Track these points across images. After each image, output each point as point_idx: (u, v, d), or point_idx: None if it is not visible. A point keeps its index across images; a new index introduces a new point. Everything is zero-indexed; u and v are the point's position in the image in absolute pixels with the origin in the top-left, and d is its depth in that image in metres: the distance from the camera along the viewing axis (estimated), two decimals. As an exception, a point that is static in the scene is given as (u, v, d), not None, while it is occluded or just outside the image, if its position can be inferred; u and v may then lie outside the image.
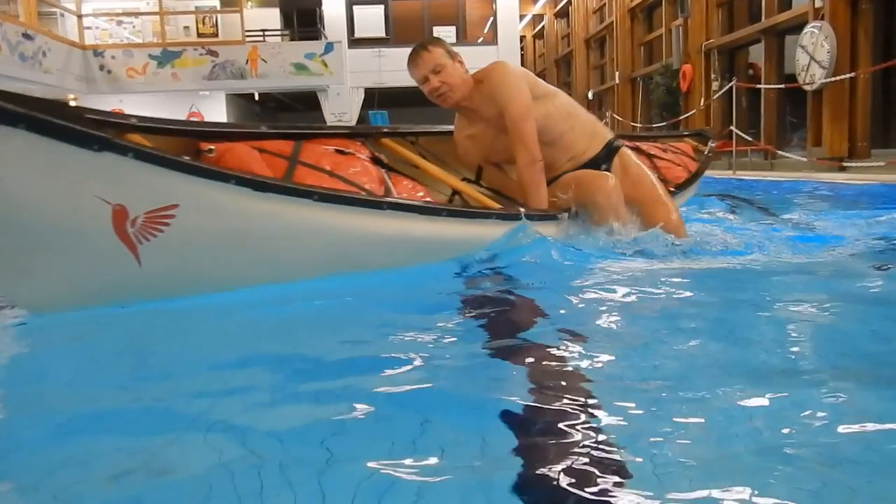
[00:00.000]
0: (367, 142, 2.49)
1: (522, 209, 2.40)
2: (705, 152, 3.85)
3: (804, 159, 8.43)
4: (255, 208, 1.81)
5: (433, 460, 0.98)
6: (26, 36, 11.75)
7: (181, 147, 2.02)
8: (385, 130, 2.63)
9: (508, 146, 2.53)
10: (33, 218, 1.61)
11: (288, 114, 18.94)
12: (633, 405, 1.14)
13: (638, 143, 3.52)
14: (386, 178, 2.27)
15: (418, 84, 2.57)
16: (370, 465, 0.95)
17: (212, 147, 1.97)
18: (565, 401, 1.15)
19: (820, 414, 1.08)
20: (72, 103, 14.77)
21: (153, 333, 1.75)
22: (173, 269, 1.80)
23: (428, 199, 2.38)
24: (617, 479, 0.90)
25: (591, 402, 1.15)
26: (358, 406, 1.19)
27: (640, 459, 0.95)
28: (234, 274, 1.90)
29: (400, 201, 2.12)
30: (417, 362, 1.41)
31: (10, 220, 1.60)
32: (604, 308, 1.77)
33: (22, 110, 1.48)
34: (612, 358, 1.40)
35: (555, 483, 0.89)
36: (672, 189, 3.02)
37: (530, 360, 1.41)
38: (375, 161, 2.34)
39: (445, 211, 2.20)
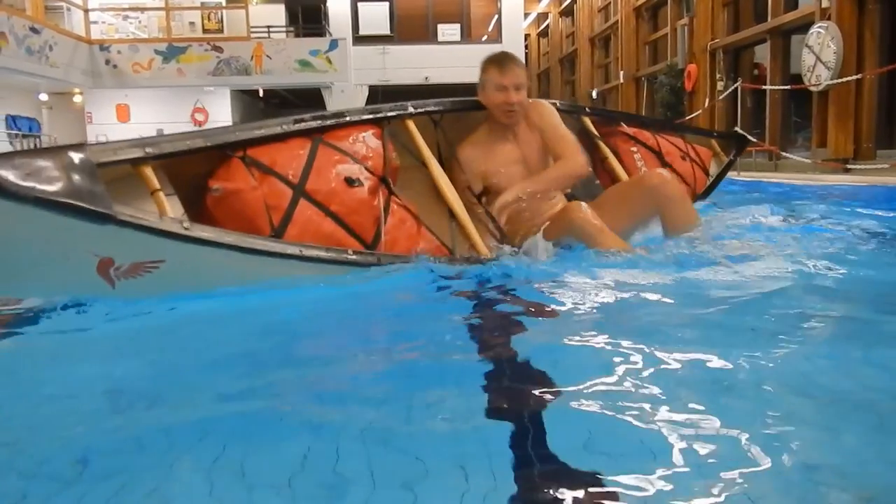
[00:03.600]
0: (390, 125, 2.48)
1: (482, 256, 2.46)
2: (723, 163, 3.80)
3: (808, 161, 8.43)
4: (238, 264, 1.92)
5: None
6: (33, 30, 11.79)
7: (194, 165, 2.05)
8: (411, 110, 2.62)
9: (518, 175, 2.66)
10: (23, 257, 1.72)
11: (292, 110, 18.97)
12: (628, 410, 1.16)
13: (659, 138, 3.48)
14: (381, 216, 2.27)
15: (494, 88, 2.64)
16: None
17: (218, 187, 2.00)
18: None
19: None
20: (77, 98, 14.85)
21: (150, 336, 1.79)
22: (145, 293, 1.89)
23: (416, 234, 2.37)
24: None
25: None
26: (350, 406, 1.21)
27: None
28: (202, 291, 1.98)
29: (379, 261, 2.17)
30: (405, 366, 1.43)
31: (8, 252, 1.70)
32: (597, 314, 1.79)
33: (31, 194, 1.52)
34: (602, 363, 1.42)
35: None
36: None
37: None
38: (382, 181, 2.32)
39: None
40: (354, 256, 2.12)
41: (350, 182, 2.21)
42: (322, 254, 2.04)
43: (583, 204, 2.54)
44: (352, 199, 2.19)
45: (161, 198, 1.84)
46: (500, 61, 2.67)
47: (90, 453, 1.07)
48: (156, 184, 1.85)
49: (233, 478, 0.96)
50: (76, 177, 1.61)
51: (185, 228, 1.81)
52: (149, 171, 1.86)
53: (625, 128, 3.42)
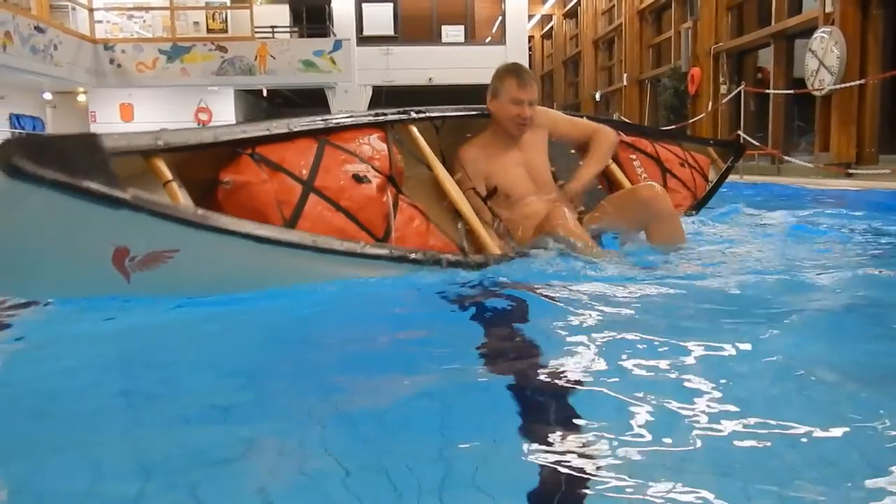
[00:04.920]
0: (392, 130, 2.50)
1: (492, 255, 2.46)
2: (721, 170, 3.82)
3: (811, 165, 8.43)
4: (253, 255, 1.90)
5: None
6: (38, 29, 11.83)
7: (206, 159, 2.05)
8: (413, 115, 2.64)
9: (520, 177, 2.72)
10: (38, 248, 1.70)
11: (295, 110, 18.99)
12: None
13: (657, 146, 3.50)
14: (390, 213, 2.28)
15: (510, 101, 2.67)
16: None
17: (229, 179, 2.00)
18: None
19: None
20: (82, 97, 14.89)
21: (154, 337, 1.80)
22: (161, 288, 1.87)
23: (425, 232, 2.38)
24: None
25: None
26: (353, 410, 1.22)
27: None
28: (216, 290, 1.97)
29: (391, 254, 2.16)
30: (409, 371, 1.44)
31: (15, 247, 1.68)
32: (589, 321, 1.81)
33: (47, 175, 1.52)
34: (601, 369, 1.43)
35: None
36: None
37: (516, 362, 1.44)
38: (389, 179, 2.33)
39: (429, 262, 2.24)
40: (367, 249, 2.10)
41: (358, 179, 2.22)
42: (336, 245, 2.02)
43: (565, 210, 2.59)
44: (361, 195, 2.20)
45: (174, 188, 1.85)
46: (520, 74, 2.70)
47: (94, 460, 1.07)
48: (168, 174, 1.85)
49: (238, 481, 0.97)
50: (91, 162, 1.61)
51: (200, 215, 1.79)
52: (160, 163, 1.86)
53: (623, 136, 3.43)
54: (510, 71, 2.73)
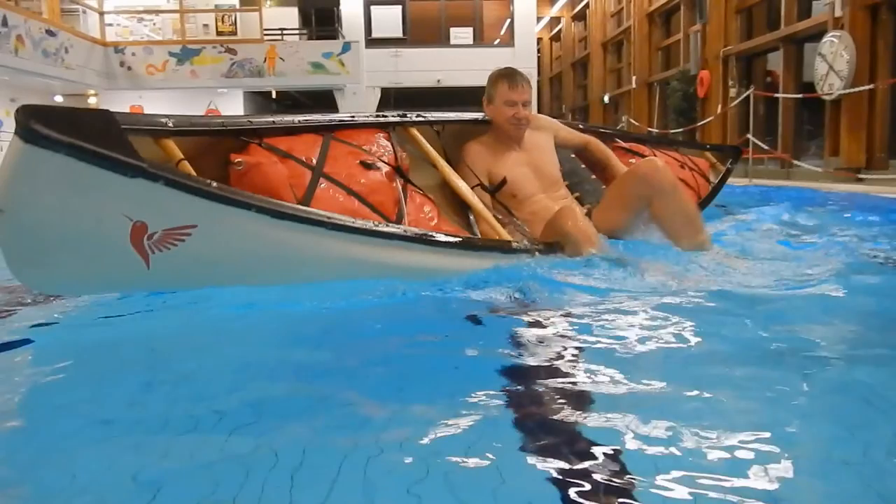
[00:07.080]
0: (394, 132, 2.54)
1: (516, 243, 2.46)
2: (721, 173, 3.83)
3: (820, 169, 8.39)
4: (270, 231, 1.88)
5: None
6: (49, 32, 11.91)
7: (215, 146, 2.07)
8: (414, 119, 2.69)
9: (525, 176, 2.78)
10: (57, 224, 1.66)
11: (303, 112, 19.05)
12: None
13: (656, 152, 3.53)
14: (401, 198, 2.30)
15: (504, 103, 2.74)
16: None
17: (241, 160, 2.01)
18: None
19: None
20: (92, 100, 14.99)
21: (160, 335, 1.81)
22: (179, 274, 1.86)
23: (436, 219, 2.40)
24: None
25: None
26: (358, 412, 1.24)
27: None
28: (237, 279, 1.97)
29: (406, 233, 2.13)
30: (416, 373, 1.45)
31: (34, 223, 1.65)
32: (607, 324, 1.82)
33: (64, 139, 1.51)
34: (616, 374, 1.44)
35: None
36: None
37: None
38: (397, 171, 2.36)
39: (447, 244, 2.23)
40: (381, 228, 2.09)
41: (367, 165, 2.26)
42: (350, 223, 2.01)
43: (573, 208, 2.60)
44: (371, 181, 2.23)
45: (187, 166, 1.85)
46: (511, 77, 2.76)
47: (109, 461, 1.08)
48: (179, 154, 1.86)
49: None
50: (107, 133, 1.62)
51: (217, 187, 1.78)
52: (171, 143, 1.87)
53: (620, 143, 3.50)
54: (502, 75, 2.79)
